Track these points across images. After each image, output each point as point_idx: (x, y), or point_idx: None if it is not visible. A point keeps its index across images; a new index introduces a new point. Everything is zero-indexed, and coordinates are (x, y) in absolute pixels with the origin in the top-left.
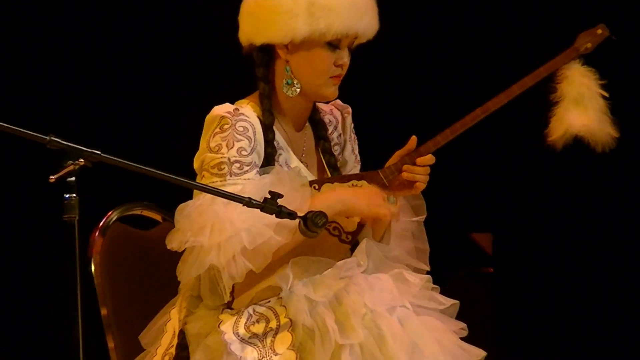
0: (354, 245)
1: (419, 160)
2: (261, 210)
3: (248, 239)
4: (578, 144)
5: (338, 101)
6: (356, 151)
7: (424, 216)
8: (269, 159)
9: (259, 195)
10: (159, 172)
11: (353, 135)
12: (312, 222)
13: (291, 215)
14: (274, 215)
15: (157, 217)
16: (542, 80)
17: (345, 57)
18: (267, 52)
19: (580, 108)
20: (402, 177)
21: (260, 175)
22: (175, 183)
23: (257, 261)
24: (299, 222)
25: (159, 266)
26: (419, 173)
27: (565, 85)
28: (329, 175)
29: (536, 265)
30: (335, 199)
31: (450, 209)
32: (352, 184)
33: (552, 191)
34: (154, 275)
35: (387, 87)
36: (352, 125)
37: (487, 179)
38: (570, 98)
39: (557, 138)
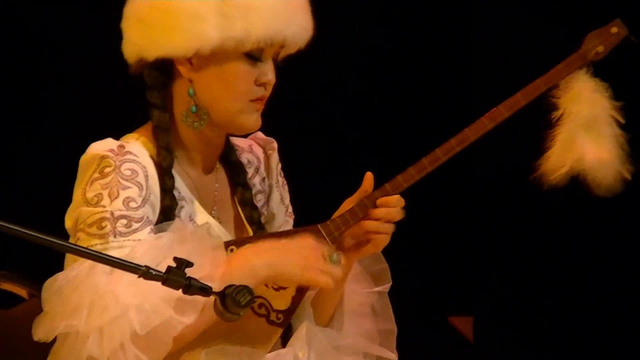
0: (287, 328)
1: (380, 201)
2: (163, 284)
3: (139, 320)
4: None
5: (259, 134)
6: (287, 200)
7: (388, 285)
8: (167, 214)
9: (153, 262)
10: (19, 229)
11: (281, 179)
12: (233, 300)
13: (204, 290)
14: (179, 290)
15: (22, 292)
16: (538, 97)
17: (269, 73)
18: (164, 69)
19: (593, 135)
20: (357, 231)
21: (155, 234)
22: (42, 244)
23: (154, 350)
24: (215, 300)
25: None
26: (383, 218)
27: (570, 102)
28: (251, 233)
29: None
30: (259, 262)
31: (422, 282)
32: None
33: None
34: None
35: (331, 108)
36: (280, 165)
37: (467, 244)
38: (579, 120)
39: (558, 175)
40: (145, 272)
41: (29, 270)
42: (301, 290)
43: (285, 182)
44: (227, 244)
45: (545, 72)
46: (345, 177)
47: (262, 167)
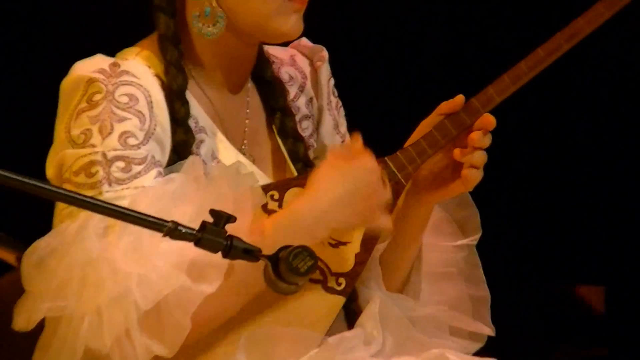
0: (351, 297)
1: (479, 123)
2: (196, 245)
3: (143, 293)
4: None
5: (304, 41)
6: (343, 127)
7: (478, 236)
8: (181, 152)
9: (160, 216)
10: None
11: (334, 100)
12: (289, 266)
13: (251, 253)
14: (218, 253)
15: (9, 257)
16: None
17: None
18: None
19: None
20: (438, 165)
21: (165, 178)
22: (27, 192)
23: (168, 334)
24: (266, 266)
25: (17, 339)
26: (478, 146)
27: None
28: (295, 174)
29: None
30: (314, 218)
31: (536, 241)
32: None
33: None
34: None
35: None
36: (332, 81)
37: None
38: None
39: None
40: (173, 230)
41: (18, 231)
42: (367, 246)
43: (340, 104)
44: (266, 189)
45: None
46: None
47: (309, 84)
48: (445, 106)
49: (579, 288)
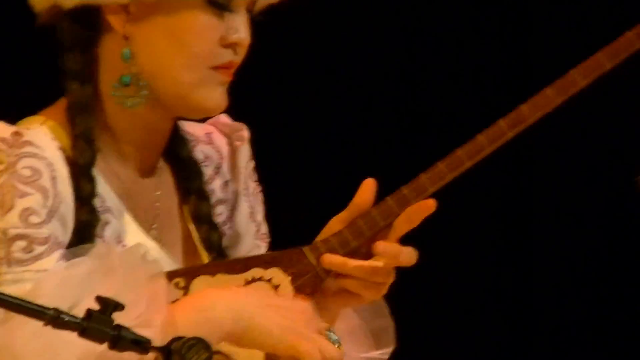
0: None
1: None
2: (80, 335)
3: None
4: None
5: (222, 117)
6: (259, 216)
7: (390, 349)
8: (84, 233)
9: (66, 303)
10: None
11: (252, 185)
12: (182, 358)
13: (140, 345)
14: (105, 344)
15: None
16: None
17: (242, 29)
18: (87, 22)
19: None
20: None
21: (69, 261)
22: None
23: None
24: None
25: None
26: (390, 256)
27: None
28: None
29: None
30: (223, 309)
31: None
32: (253, 278)
33: None
34: None
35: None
36: (252, 164)
37: None
38: None
39: None
40: (55, 318)
41: None
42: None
43: (258, 189)
44: (171, 276)
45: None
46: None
47: (225, 166)
48: (358, 199)
49: None
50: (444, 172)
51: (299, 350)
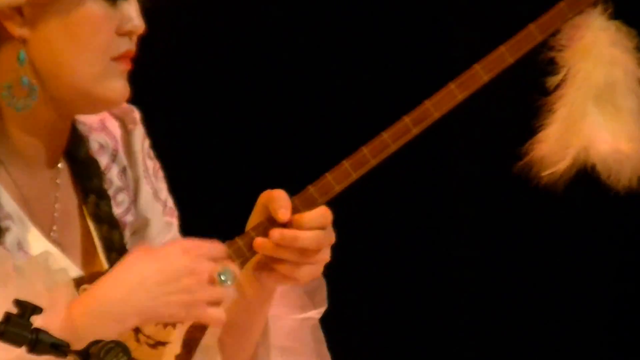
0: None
1: (296, 219)
2: None
3: None
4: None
5: None
6: (163, 193)
7: (324, 309)
8: None
9: None
10: None
11: (151, 163)
12: None
13: (58, 348)
14: (22, 347)
15: None
16: (530, 51)
17: (135, 16)
18: None
19: (609, 110)
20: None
21: None
22: None
23: None
24: None
25: None
26: (301, 243)
27: (577, 59)
28: (105, 265)
29: None
30: (123, 305)
31: None
32: None
33: None
34: None
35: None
36: (147, 142)
37: None
38: (589, 88)
39: (561, 168)
40: None
41: None
42: (190, 346)
43: (157, 166)
44: (78, 282)
45: (540, 14)
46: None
47: (121, 151)
48: (266, 198)
49: None
50: (349, 170)
51: (205, 318)
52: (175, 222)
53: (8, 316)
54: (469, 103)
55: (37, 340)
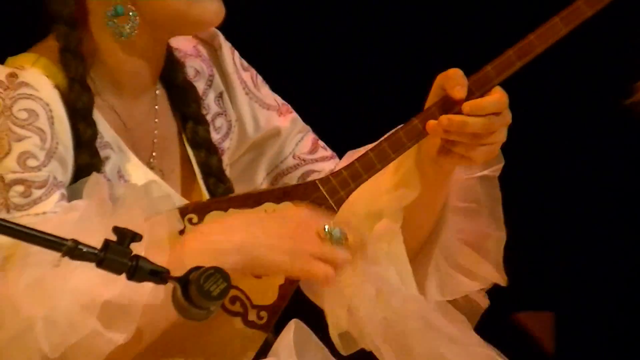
0: (276, 327)
1: (470, 105)
2: (98, 265)
3: (49, 339)
4: None
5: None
6: (271, 99)
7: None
8: (85, 174)
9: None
10: None
11: (247, 75)
12: (200, 289)
13: (157, 275)
14: (123, 275)
15: None
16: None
17: None
18: None
19: None
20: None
21: (69, 202)
22: None
23: None
24: (174, 290)
25: None
26: (471, 129)
27: None
28: (203, 189)
29: None
30: (227, 243)
31: None
32: (266, 210)
33: None
34: None
35: None
36: (236, 55)
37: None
38: None
39: None
40: (72, 249)
41: None
42: (293, 279)
43: (254, 73)
44: (183, 212)
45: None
46: None
47: (217, 76)
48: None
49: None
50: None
51: (310, 272)
52: (294, 114)
53: (107, 243)
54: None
55: (136, 267)
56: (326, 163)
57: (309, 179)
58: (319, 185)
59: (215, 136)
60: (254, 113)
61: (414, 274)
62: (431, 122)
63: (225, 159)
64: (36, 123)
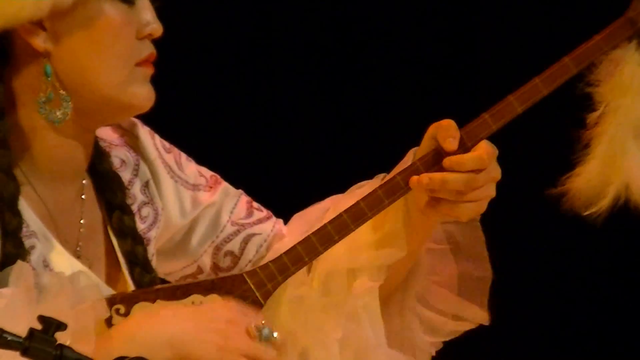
0: None
1: (451, 161)
2: (22, 354)
3: None
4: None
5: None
6: (193, 177)
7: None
8: (12, 261)
9: None
10: None
11: (169, 156)
12: None
13: None
14: None
15: None
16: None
17: (152, 20)
18: None
19: None
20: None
21: None
22: None
23: None
24: None
25: None
26: (451, 186)
27: (615, 94)
28: (128, 279)
29: None
30: (158, 337)
31: None
32: (193, 302)
33: None
34: None
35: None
36: (157, 138)
37: None
38: (628, 122)
39: (603, 205)
40: None
41: None
42: None
43: (178, 153)
44: (110, 302)
45: (575, 47)
46: None
47: (142, 164)
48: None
49: None
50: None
51: None
52: (224, 184)
53: (32, 332)
54: (504, 133)
55: (61, 356)
56: (264, 224)
57: (250, 243)
58: (246, 278)
59: (141, 226)
60: (180, 198)
61: (390, 320)
62: (414, 179)
63: (151, 249)
64: None
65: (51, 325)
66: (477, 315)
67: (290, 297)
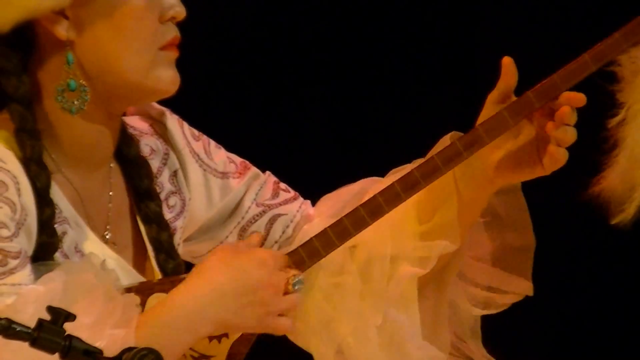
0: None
1: (565, 99)
2: (32, 345)
3: None
4: None
5: (149, 106)
6: (222, 165)
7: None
8: (45, 253)
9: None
10: None
11: (197, 144)
12: None
13: (90, 355)
14: (56, 354)
15: None
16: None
17: (175, 3)
18: (22, 42)
19: None
20: (519, 142)
21: (43, 276)
22: None
23: None
24: None
25: None
26: (568, 123)
27: (638, 96)
28: (153, 264)
29: None
30: (202, 314)
31: None
32: None
33: None
34: None
35: None
36: (185, 126)
37: None
38: None
39: (630, 210)
40: (6, 328)
41: None
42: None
43: (207, 141)
44: (127, 292)
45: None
46: None
47: (172, 154)
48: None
49: None
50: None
51: (276, 328)
52: (253, 169)
53: (41, 323)
54: None
55: (69, 347)
56: (291, 205)
57: (276, 224)
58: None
59: (168, 215)
60: (208, 188)
61: (435, 295)
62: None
63: (177, 238)
64: (6, 194)
65: (60, 316)
66: (521, 287)
67: (326, 284)
